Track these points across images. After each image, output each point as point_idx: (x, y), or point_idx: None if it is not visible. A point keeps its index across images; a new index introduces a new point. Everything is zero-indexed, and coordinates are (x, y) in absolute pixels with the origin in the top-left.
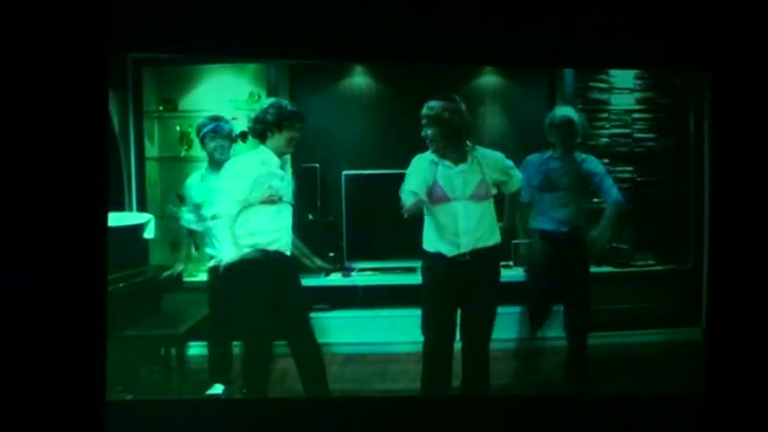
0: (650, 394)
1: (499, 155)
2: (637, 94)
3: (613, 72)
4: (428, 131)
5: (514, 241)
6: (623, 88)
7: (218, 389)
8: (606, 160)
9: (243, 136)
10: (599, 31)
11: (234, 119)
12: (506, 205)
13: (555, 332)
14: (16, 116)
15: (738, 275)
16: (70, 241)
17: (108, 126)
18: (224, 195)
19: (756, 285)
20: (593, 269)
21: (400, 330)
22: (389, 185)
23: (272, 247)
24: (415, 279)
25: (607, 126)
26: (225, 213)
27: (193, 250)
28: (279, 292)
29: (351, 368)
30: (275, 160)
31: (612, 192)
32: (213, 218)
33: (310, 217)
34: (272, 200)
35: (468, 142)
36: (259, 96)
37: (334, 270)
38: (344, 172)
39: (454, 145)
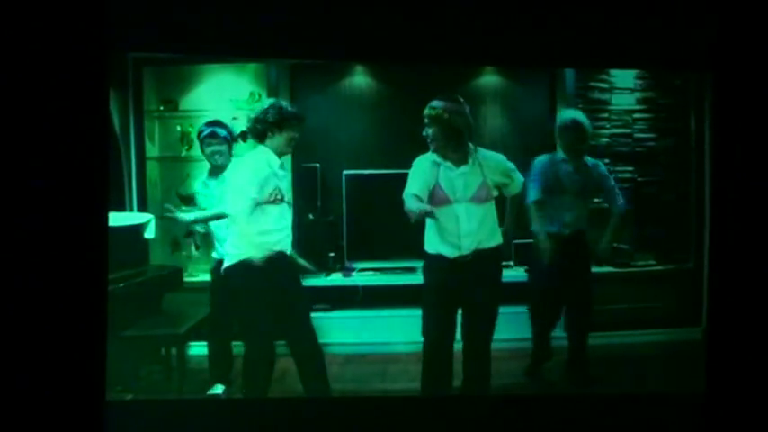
0: (650, 394)
1: (501, 157)
2: (637, 94)
3: (614, 72)
4: (429, 131)
5: (515, 241)
6: (624, 88)
7: (218, 389)
8: (607, 160)
9: (243, 136)
10: (599, 31)
11: (234, 119)
12: (507, 208)
13: (555, 332)
14: (17, 116)
15: (739, 275)
16: (71, 241)
17: (108, 126)
18: (237, 195)
19: (757, 285)
20: (594, 269)
21: (400, 330)
22: (390, 185)
23: (276, 248)
24: (416, 279)
25: (608, 126)
26: (239, 212)
27: (194, 250)
28: (281, 292)
29: (351, 368)
30: (276, 160)
31: (619, 197)
32: (226, 217)
33: (311, 217)
34: (276, 200)
35: (470, 144)
36: (260, 96)
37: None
38: (345, 172)
39: (454, 146)
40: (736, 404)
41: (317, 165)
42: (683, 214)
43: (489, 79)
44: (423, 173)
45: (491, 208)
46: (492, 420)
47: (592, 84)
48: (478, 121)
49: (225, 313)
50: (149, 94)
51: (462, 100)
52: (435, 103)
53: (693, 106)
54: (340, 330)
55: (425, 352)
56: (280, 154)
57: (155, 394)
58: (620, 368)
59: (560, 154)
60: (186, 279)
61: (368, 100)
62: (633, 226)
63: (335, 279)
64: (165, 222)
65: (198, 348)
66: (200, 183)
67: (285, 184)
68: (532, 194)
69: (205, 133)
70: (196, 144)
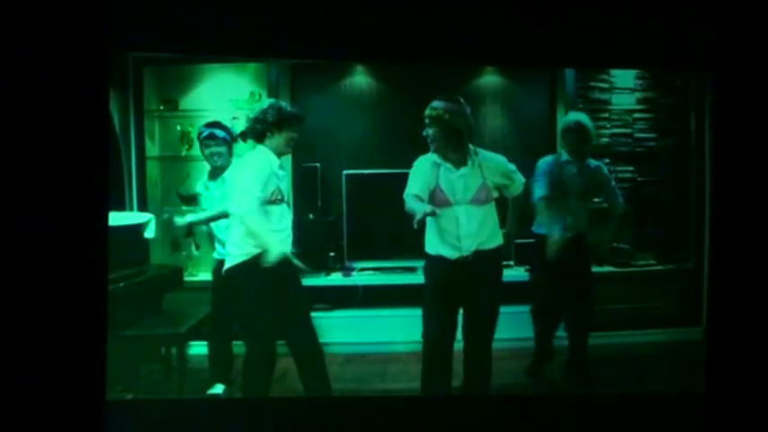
0: (650, 394)
1: (501, 158)
2: (638, 94)
3: (614, 72)
4: (429, 131)
5: (516, 241)
6: (624, 88)
7: (218, 388)
8: (607, 160)
9: (243, 135)
10: (599, 31)
11: (234, 118)
12: (509, 210)
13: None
14: (17, 116)
15: (739, 275)
16: (71, 240)
17: (109, 125)
18: (242, 194)
19: (757, 285)
20: (594, 269)
21: (400, 330)
22: (390, 185)
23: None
24: (416, 279)
25: (608, 126)
26: (247, 211)
27: (194, 250)
28: (281, 292)
29: (351, 368)
30: (276, 160)
31: (619, 197)
32: (233, 216)
33: (311, 217)
34: (276, 200)
35: (470, 145)
36: (260, 96)
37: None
38: (345, 171)
39: (454, 146)
40: (736, 404)
41: (318, 164)
42: (683, 214)
43: (489, 79)
44: (423, 173)
45: (491, 209)
46: (492, 420)
47: (592, 84)
48: (479, 121)
49: (226, 313)
50: (149, 93)
51: (463, 101)
52: (436, 103)
53: (694, 106)
54: (340, 330)
55: (425, 352)
56: (279, 154)
57: (155, 394)
58: (620, 368)
59: (564, 155)
60: (186, 278)
61: (368, 100)
62: (633, 226)
63: (336, 279)
64: (165, 222)
65: (198, 348)
66: (200, 185)
67: (285, 185)
68: (539, 192)
69: (204, 134)
70: (196, 144)
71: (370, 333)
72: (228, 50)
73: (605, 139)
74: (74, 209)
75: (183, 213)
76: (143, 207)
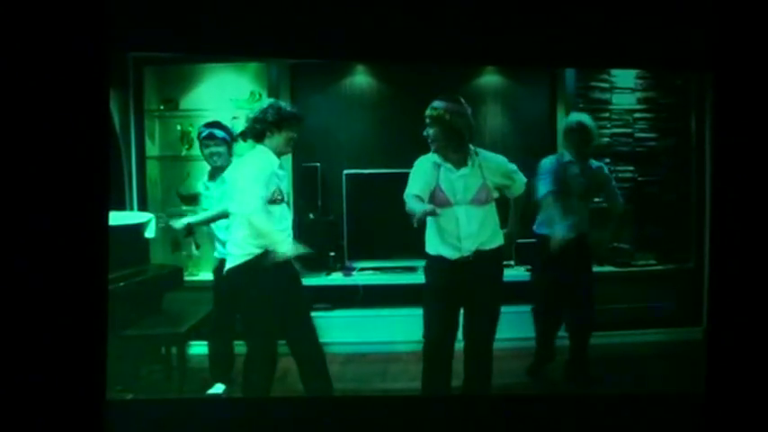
0: (650, 394)
1: (501, 159)
2: (638, 94)
3: (615, 72)
4: (429, 131)
5: (517, 240)
6: (624, 88)
7: (219, 388)
8: (607, 160)
9: (243, 135)
10: (599, 31)
11: (235, 118)
12: (511, 210)
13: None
14: (17, 115)
15: (739, 275)
16: (71, 240)
17: (109, 125)
18: (246, 194)
19: (757, 285)
20: (595, 269)
21: (401, 330)
22: (390, 185)
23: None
24: (416, 278)
25: (608, 126)
26: (252, 211)
27: (194, 249)
28: (282, 291)
29: (351, 368)
30: (276, 160)
31: (618, 196)
32: (236, 216)
33: (311, 216)
34: (277, 200)
35: (470, 146)
36: (260, 95)
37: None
38: (345, 171)
39: (455, 146)
40: (736, 404)
41: (318, 164)
42: (683, 214)
43: (490, 79)
44: (424, 174)
45: (491, 210)
46: (493, 420)
47: (592, 83)
48: (479, 121)
49: (227, 313)
50: (150, 93)
51: (463, 101)
52: (437, 103)
53: (694, 106)
54: (340, 330)
55: (426, 352)
56: (279, 154)
57: (155, 394)
58: (620, 368)
59: (566, 156)
60: (186, 278)
61: (368, 100)
62: (634, 226)
63: (336, 278)
64: (165, 222)
65: (198, 348)
66: (201, 185)
67: (284, 185)
68: (545, 188)
69: (203, 134)
70: (196, 143)
71: (371, 333)
72: (229, 50)
73: (606, 139)
74: (74, 208)
75: (183, 213)
76: (143, 207)
